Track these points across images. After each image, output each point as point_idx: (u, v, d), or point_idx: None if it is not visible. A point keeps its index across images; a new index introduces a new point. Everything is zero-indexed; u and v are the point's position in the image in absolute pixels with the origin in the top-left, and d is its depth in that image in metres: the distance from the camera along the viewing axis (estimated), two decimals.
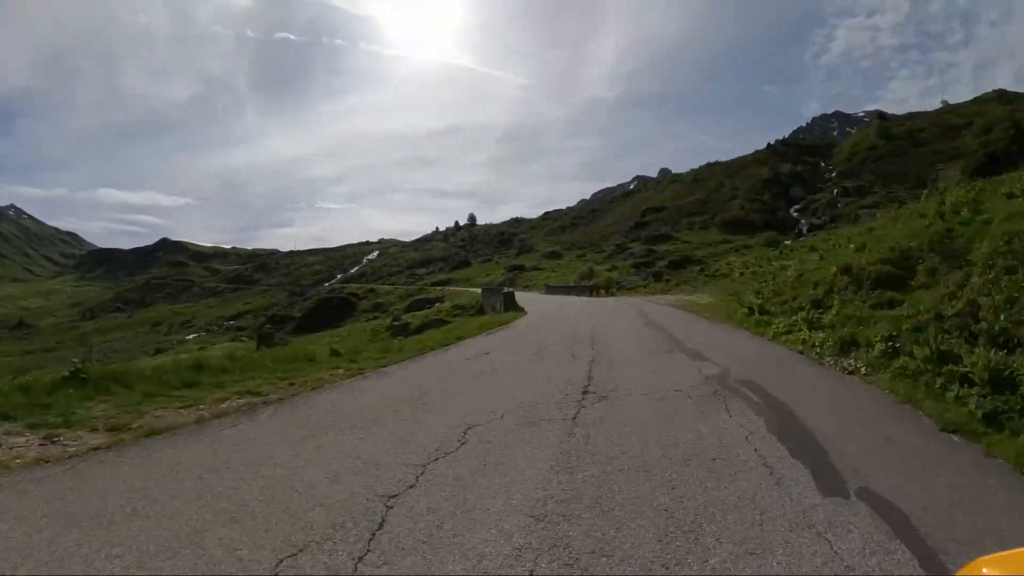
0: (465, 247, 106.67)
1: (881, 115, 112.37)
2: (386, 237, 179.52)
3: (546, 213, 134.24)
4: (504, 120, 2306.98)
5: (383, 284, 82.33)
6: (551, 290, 40.87)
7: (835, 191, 70.01)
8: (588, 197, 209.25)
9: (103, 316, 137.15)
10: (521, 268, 64.73)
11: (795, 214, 62.01)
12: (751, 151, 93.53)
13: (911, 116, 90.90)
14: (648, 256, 50.74)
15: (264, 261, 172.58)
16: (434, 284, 69.46)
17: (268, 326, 56.74)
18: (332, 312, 46.97)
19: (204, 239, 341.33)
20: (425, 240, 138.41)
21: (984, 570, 0.59)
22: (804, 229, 56.38)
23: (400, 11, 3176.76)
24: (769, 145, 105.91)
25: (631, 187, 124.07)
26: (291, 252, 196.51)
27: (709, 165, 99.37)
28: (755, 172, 78.35)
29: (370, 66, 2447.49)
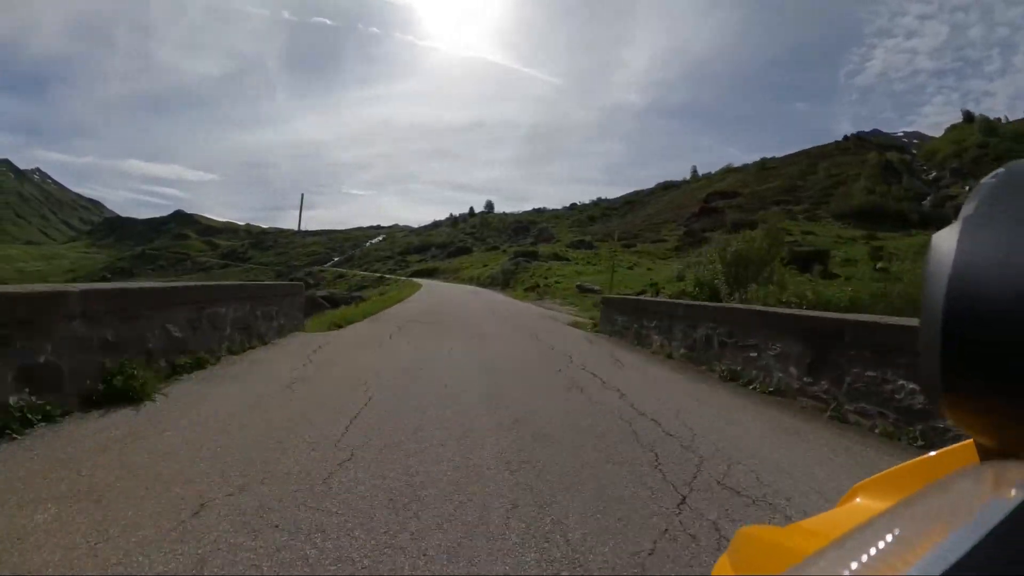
0: (474, 234, 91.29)
1: (969, 115, 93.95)
2: (401, 224, 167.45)
3: (572, 204, 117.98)
4: (530, 118, 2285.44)
5: (359, 271, 68.26)
6: (610, 309, 15.01)
7: (966, 186, 53.87)
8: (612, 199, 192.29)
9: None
10: (532, 256, 44.71)
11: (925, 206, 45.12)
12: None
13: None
14: None
15: (260, 239, 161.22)
16: (413, 274, 54.90)
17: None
18: None
19: (227, 216, 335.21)
20: (435, 226, 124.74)
21: (858, 499, 0.62)
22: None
23: (440, 2, 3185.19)
24: (846, 137, 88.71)
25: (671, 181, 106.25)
26: (297, 232, 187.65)
27: (776, 159, 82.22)
28: (853, 159, 61.11)
29: (402, 55, 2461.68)
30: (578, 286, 25.69)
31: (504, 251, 60.77)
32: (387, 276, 54.55)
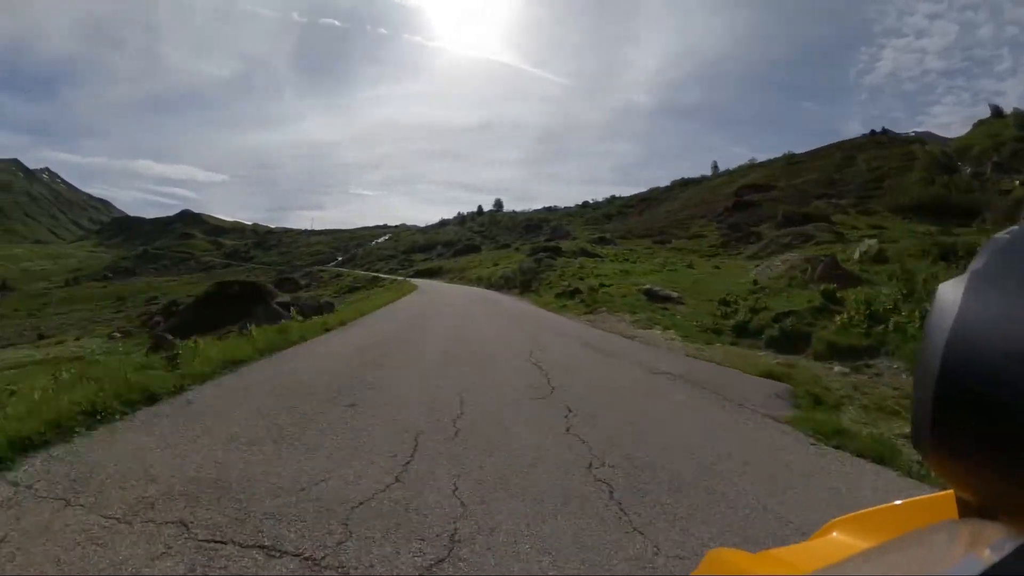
0: (483, 233, 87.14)
1: (998, 109, 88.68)
2: (408, 223, 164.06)
3: (585, 203, 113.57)
4: (539, 119, 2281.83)
5: (359, 271, 64.46)
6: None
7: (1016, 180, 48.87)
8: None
9: (85, 284, 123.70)
10: (556, 253, 36.78)
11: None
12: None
13: None
14: (799, 243, 27.65)
15: (264, 238, 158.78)
16: (416, 274, 50.82)
17: (158, 318, 38.93)
18: (231, 305, 27.43)
19: (236, 216, 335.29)
20: (442, 225, 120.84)
21: (834, 533, 0.62)
22: None
23: (448, 3, 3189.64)
24: (873, 131, 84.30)
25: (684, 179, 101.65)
26: (304, 231, 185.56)
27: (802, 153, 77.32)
28: (891, 152, 56.27)
29: (411, 56, 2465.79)
30: (647, 291, 17.07)
31: (517, 248, 56.41)
32: (382, 276, 50.48)
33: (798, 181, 54.68)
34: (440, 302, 18.76)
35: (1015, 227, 0.41)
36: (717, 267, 26.23)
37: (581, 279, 23.11)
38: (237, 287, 35.51)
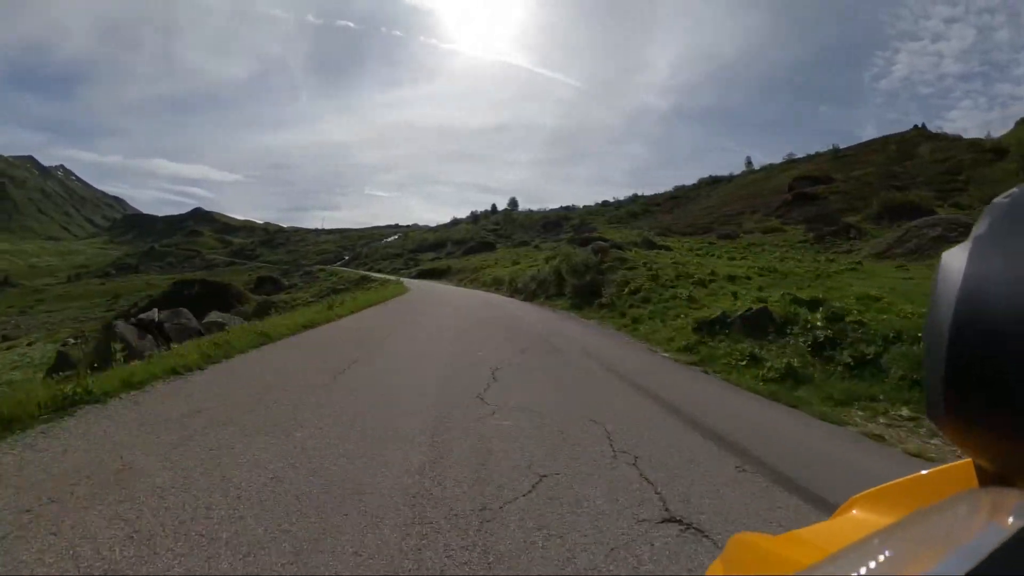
0: (497, 231, 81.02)
1: None
2: (421, 223, 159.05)
3: (605, 201, 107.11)
4: (553, 121, 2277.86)
5: (360, 269, 58.96)
6: None
7: None
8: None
9: (86, 281, 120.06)
10: (610, 250, 20.70)
11: None
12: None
13: None
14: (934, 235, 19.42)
15: (272, 237, 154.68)
16: (419, 274, 45.03)
17: (118, 322, 31.56)
18: (191, 307, 21.13)
19: (250, 215, 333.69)
20: (454, 224, 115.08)
21: (855, 510, 0.63)
22: None
23: (462, 7, 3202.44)
24: (916, 127, 77.93)
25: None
26: (314, 231, 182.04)
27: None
28: (953, 144, 49.73)
29: (425, 58, 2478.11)
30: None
31: (538, 247, 49.85)
32: (373, 276, 44.36)
33: (857, 173, 48.21)
34: (416, 330, 10.42)
35: (1014, 190, 0.41)
36: (850, 267, 15.93)
37: (697, 283, 14.26)
38: (197, 287, 29.70)
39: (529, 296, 21.36)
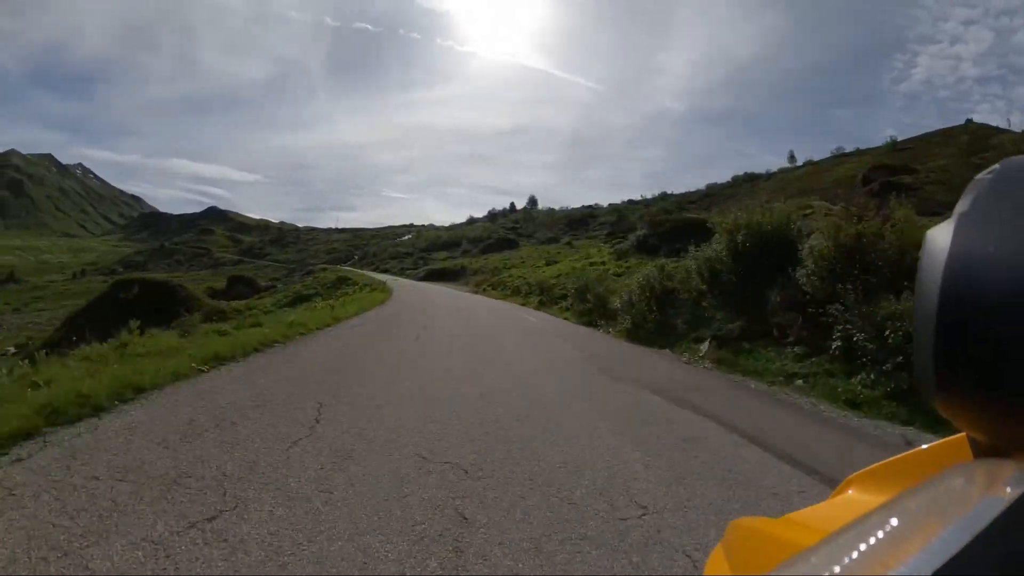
0: (517, 229, 74.83)
1: None
2: (436, 224, 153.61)
3: (630, 200, 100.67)
4: (570, 124, 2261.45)
5: (355, 268, 53.74)
6: None
7: None
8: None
9: (91, 278, 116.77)
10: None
11: None
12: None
13: None
14: None
15: (281, 235, 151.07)
16: (427, 275, 39.17)
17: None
18: (130, 312, 14.75)
19: (269, 215, 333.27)
20: (470, 223, 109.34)
21: (851, 490, 0.63)
22: None
23: (479, 9, 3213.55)
24: (968, 120, 71.17)
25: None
26: (326, 230, 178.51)
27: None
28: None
29: (442, 60, 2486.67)
30: None
31: (571, 245, 43.03)
32: (353, 276, 37.89)
33: (934, 164, 42.68)
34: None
35: (996, 166, 0.41)
36: None
37: None
38: (137, 289, 23.72)
39: (639, 321, 11.56)
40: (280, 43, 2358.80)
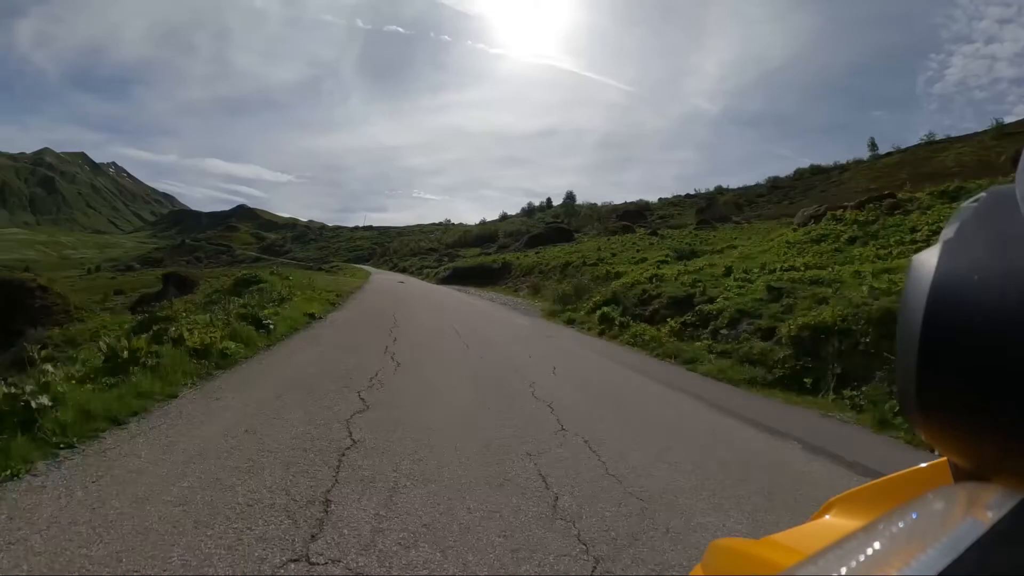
0: (558, 223, 65.89)
1: None
2: (467, 223, 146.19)
3: (676, 195, 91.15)
4: (602, 126, 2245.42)
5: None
6: None
7: None
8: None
9: (101, 274, 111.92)
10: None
11: None
12: None
13: None
14: None
15: (302, 233, 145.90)
16: (451, 274, 30.74)
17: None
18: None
19: (300, 215, 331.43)
20: (502, 219, 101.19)
21: (831, 512, 0.63)
22: None
23: (510, 11, 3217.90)
24: None
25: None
26: (352, 228, 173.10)
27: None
28: None
29: (473, 63, 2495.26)
30: None
31: (663, 237, 33.32)
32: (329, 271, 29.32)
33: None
34: None
35: (982, 194, 0.41)
36: None
37: None
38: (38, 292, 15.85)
39: None
40: (314, 46, 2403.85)
